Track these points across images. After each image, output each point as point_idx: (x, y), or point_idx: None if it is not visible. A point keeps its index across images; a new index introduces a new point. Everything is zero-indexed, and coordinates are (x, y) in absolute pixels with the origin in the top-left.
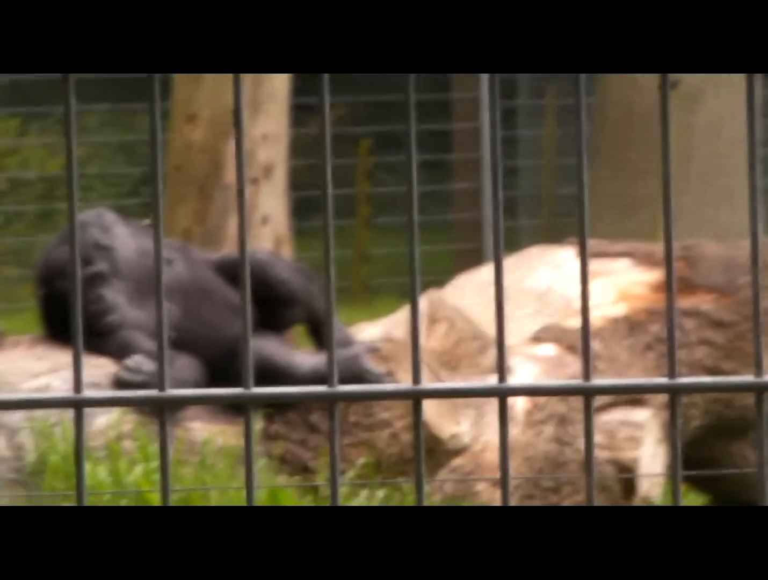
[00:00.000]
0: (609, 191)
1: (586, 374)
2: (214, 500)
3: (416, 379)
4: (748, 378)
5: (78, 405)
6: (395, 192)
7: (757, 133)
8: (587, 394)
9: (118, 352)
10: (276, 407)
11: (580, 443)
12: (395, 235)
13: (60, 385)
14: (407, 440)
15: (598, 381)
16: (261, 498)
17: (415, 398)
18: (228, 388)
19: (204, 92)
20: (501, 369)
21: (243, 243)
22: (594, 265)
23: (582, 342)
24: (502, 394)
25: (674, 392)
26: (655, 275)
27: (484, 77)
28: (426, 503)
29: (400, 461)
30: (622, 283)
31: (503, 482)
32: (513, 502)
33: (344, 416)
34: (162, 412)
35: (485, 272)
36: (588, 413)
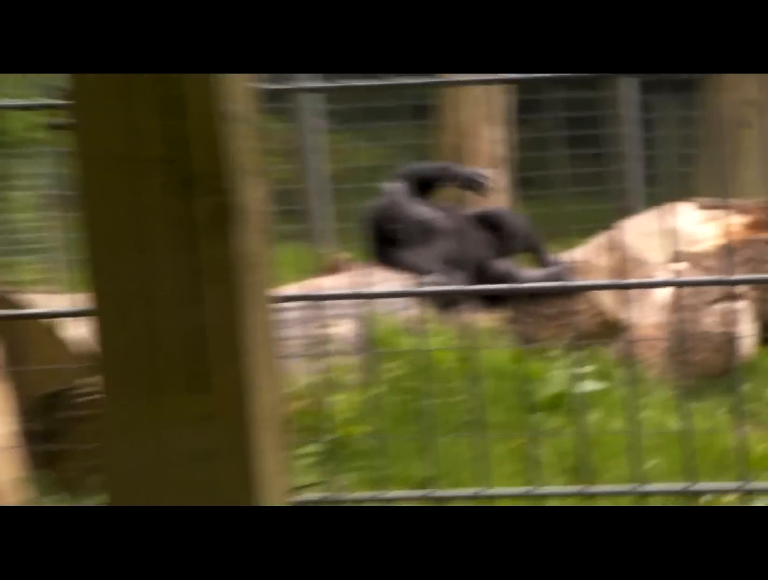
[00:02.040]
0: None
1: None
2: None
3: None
4: None
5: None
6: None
7: None
8: (731, 284)
9: (419, 273)
10: (517, 301)
11: (703, 324)
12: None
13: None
14: (591, 322)
15: (737, 276)
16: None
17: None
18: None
19: None
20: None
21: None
22: (710, 213)
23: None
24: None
25: None
26: (748, 219)
27: None
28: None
29: (588, 335)
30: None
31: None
32: (656, 352)
33: (555, 306)
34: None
35: (645, 220)
36: (730, 298)
